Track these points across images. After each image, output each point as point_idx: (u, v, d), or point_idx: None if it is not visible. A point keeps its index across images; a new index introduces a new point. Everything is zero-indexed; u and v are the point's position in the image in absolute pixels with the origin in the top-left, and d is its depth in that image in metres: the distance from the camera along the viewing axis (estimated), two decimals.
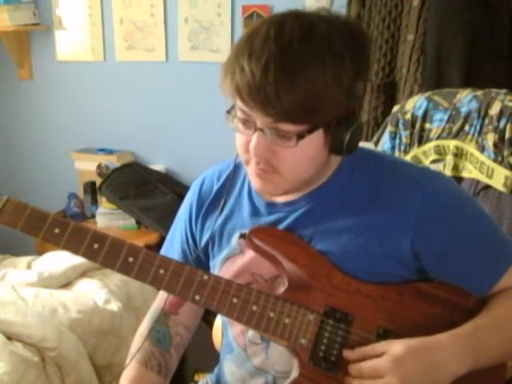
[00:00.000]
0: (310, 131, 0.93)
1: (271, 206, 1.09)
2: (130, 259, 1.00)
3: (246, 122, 0.96)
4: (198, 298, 1.00)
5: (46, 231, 0.99)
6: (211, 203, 1.17)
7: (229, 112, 0.99)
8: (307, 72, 0.89)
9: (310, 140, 0.94)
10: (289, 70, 0.89)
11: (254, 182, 1.03)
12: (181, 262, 1.07)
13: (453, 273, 1.02)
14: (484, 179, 1.59)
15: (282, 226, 1.07)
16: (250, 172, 1.02)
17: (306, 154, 0.96)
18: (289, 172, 0.98)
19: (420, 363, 0.91)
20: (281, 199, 1.08)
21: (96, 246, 0.99)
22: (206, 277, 1.01)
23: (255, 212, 1.11)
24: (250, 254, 1.08)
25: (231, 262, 1.11)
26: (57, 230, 0.99)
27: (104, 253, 0.99)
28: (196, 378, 2.28)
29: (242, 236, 1.08)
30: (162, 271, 1.00)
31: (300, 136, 0.93)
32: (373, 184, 1.04)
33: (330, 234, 1.03)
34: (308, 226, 1.05)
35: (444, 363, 0.92)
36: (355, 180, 1.05)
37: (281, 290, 1.03)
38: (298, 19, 0.93)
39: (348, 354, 0.98)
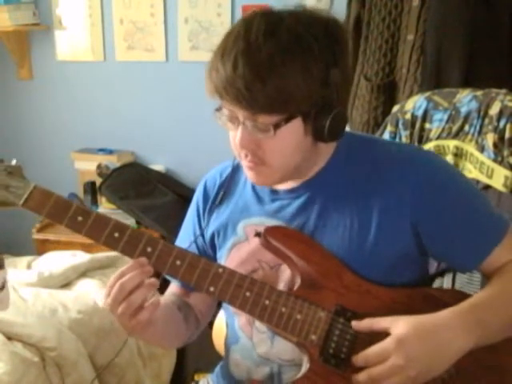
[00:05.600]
0: (287, 121, 0.97)
1: (274, 194, 1.13)
2: (149, 249, 1.02)
3: (232, 118, 1.01)
4: (212, 289, 1.03)
5: (69, 218, 1.02)
6: (216, 197, 1.20)
7: (218, 110, 1.03)
8: (274, 65, 0.93)
9: (289, 129, 0.98)
10: (255, 64, 0.93)
11: (248, 175, 1.08)
12: (197, 254, 1.09)
13: (447, 247, 1.05)
14: (484, 179, 1.59)
15: (285, 213, 1.10)
16: (244, 166, 1.07)
17: (288, 143, 1.00)
18: (275, 162, 1.02)
19: (424, 342, 0.93)
20: (283, 187, 1.11)
21: (117, 234, 1.02)
22: (221, 269, 1.04)
23: (259, 200, 1.14)
24: (255, 240, 1.10)
25: (237, 250, 1.14)
26: (80, 218, 1.02)
27: (124, 242, 1.02)
28: (196, 378, 2.28)
29: (257, 234, 1.10)
30: (178, 262, 1.03)
31: (276, 126, 0.97)
32: (368, 168, 1.07)
33: (332, 223, 1.06)
34: (310, 213, 1.08)
35: (448, 340, 0.94)
36: (350, 166, 1.08)
37: (294, 285, 1.05)
38: (265, 16, 0.98)
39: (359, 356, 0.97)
